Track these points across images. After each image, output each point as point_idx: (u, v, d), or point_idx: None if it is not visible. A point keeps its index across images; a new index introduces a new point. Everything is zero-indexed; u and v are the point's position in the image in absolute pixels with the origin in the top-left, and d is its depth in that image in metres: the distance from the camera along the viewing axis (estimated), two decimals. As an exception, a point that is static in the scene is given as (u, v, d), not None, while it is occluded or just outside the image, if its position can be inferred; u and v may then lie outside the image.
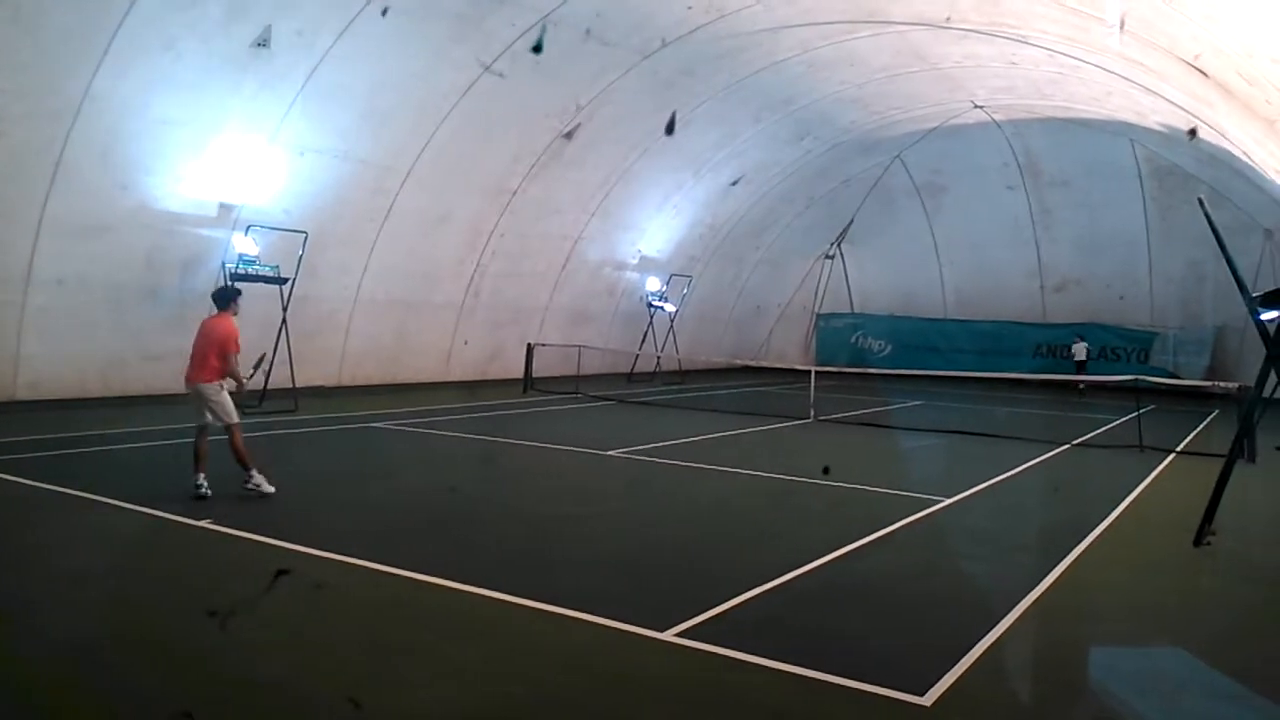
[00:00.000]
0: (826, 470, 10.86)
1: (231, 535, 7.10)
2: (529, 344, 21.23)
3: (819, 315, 32.34)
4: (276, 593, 5.86)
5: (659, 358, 25.76)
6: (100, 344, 14.14)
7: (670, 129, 19.13)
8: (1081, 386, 25.19)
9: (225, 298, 8.82)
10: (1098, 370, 24.91)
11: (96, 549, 6.84)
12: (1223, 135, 15.38)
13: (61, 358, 13.71)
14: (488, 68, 15.27)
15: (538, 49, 14.99)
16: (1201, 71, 11.55)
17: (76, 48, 11.88)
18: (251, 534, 7.08)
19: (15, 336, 13.07)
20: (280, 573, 5.93)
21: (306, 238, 15.36)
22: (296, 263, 15.30)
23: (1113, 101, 18.63)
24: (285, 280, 15.00)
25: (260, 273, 14.70)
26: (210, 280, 14.99)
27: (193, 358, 8.57)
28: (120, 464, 10.17)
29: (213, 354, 8.49)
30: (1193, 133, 18.28)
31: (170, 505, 7.85)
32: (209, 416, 8.53)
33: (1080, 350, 25.77)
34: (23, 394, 13.25)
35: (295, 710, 4.23)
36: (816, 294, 32.22)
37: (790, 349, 31.95)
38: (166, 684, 4.44)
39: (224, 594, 5.72)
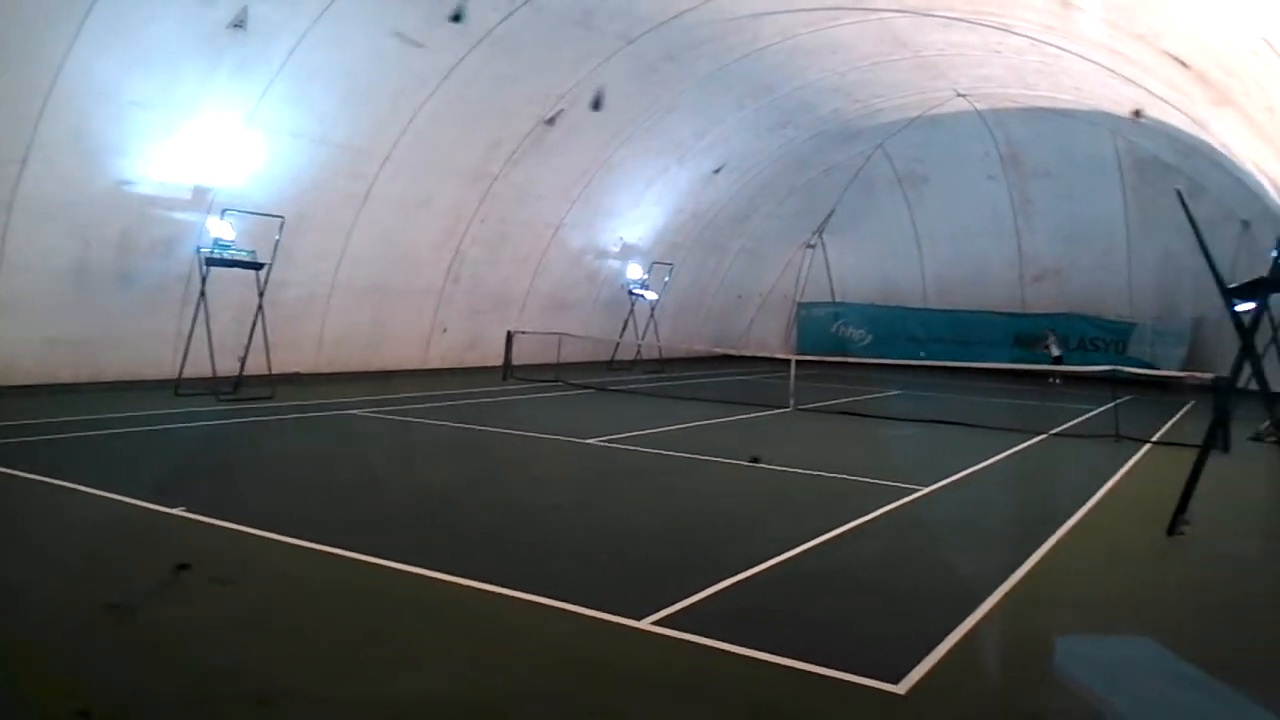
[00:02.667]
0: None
1: (206, 523, 7.00)
2: (509, 331, 21.13)
3: (800, 304, 32.38)
4: (250, 580, 5.79)
5: (639, 346, 25.72)
6: (71, 328, 13.94)
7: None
8: (1054, 380, 25.14)
9: None
10: (1076, 361, 24.97)
11: (69, 535, 6.74)
12: (1203, 127, 15.46)
13: (33, 342, 13.51)
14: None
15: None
16: (1182, 63, 11.58)
17: (50, 26, 11.65)
18: (226, 522, 6.99)
19: (-13, 320, 12.87)
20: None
21: (283, 222, 15.19)
22: (273, 247, 15.12)
23: (1094, 92, 18.69)
24: (262, 265, 14.82)
25: (236, 257, 14.52)
26: (186, 264, 14.83)
27: None
28: (91, 451, 10.02)
29: None
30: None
31: (143, 493, 7.74)
32: None
33: (1054, 347, 25.80)
34: (-6, 378, 13.08)
35: (262, 699, 4.16)
36: (798, 283, 32.25)
37: (771, 337, 31.97)
38: (125, 667, 4.37)
39: (192, 580, 5.64)
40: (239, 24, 13.08)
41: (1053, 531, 7.83)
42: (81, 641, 4.73)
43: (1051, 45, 15.93)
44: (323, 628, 5.09)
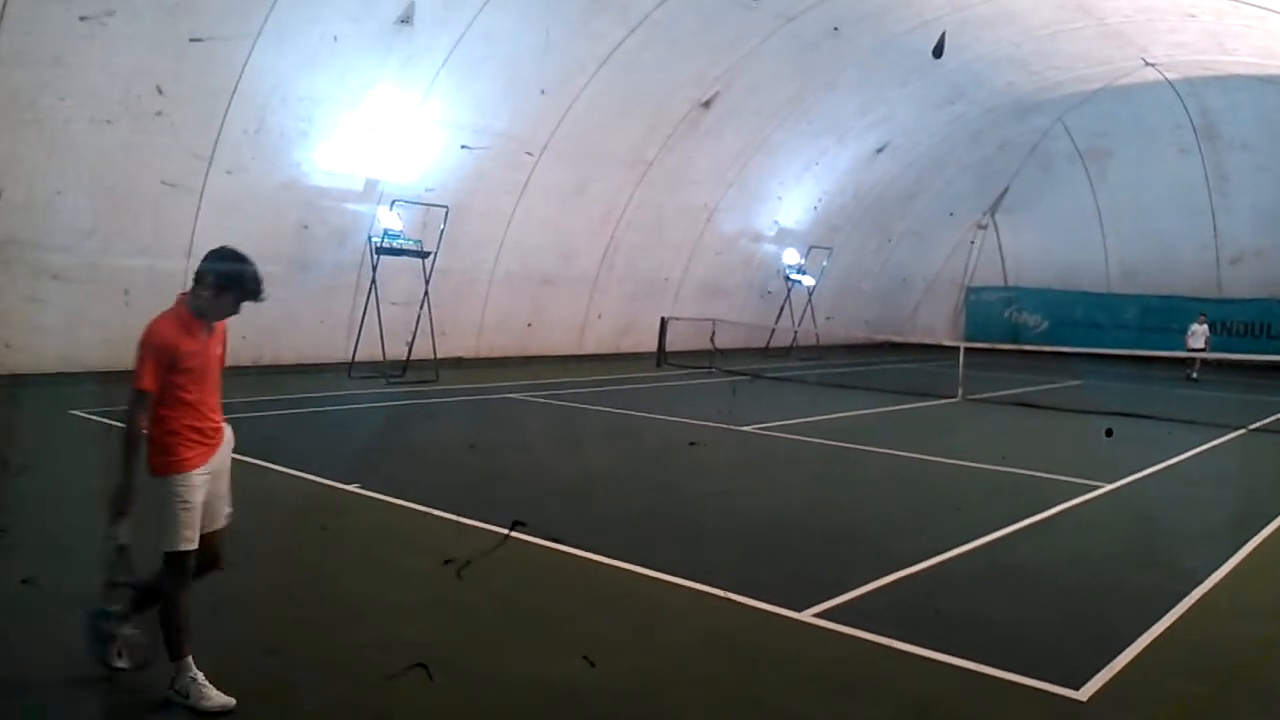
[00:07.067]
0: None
1: (377, 500, 7.27)
2: (662, 317, 21.13)
3: (969, 288, 30.97)
4: (418, 560, 5.94)
5: (796, 332, 25.24)
6: (252, 315, 14.75)
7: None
8: (1193, 375, 21.95)
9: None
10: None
11: (251, 511, 7.10)
12: None
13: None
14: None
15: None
16: None
17: (233, 29, 12.38)
18: (396, 499, 7.23)
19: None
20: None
21: (448, 212, 15.67)
22: (438, 236, 15.64)
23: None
24: (428, 254, 15.35)
25: (404, 246, 15.11)
26: (358, 253, 15.51)
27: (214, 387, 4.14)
28: (268, 431, 10.60)
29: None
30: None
31: (318, 470, 8.11)
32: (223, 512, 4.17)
33: (1199, 336, 21.85)
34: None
35: (435, 672, 4.22)
36: (967, 266, 30.83)
37: (938, 324, 30.72)
38: (304, 640, 4.53)
39: (368, 557, 5.83)
40: (406, 19, 13.53)
41: (1252, 536, 7.09)
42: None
43: (1256, 6, 14.51)
44: (488, 605, 5.15)
